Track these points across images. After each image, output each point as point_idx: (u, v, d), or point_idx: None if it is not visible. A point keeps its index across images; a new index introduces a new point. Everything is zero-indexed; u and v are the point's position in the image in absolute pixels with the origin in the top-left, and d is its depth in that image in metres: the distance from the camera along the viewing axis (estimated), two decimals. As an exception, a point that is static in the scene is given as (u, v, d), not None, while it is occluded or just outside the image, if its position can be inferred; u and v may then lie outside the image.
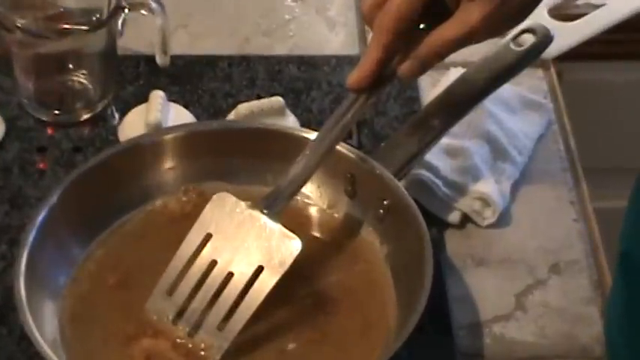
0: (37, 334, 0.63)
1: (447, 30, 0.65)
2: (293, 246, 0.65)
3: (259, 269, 0.65)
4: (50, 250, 0.69)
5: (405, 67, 0.66)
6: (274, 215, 0.67)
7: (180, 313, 0.66)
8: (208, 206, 0.67)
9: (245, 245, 0.66)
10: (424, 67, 0.67)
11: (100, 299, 0.69)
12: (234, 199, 0.67)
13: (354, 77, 0.67)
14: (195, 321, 0.66)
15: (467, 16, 0.64)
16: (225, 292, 0.66)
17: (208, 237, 0.67)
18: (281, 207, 0.67)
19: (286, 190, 0.68)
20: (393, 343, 0.63)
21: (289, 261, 0.65)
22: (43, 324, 0.65)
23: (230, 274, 0.66)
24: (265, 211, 0.67)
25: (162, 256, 0.71)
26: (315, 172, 0.69)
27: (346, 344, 0.66)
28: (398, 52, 0.67)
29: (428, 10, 0.65)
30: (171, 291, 0.67)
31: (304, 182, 0.69)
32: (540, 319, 0.72)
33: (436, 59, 0.66)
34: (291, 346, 0.66)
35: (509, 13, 0.65)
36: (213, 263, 0.66)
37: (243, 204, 0.67)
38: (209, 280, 0.66)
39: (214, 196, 0.68)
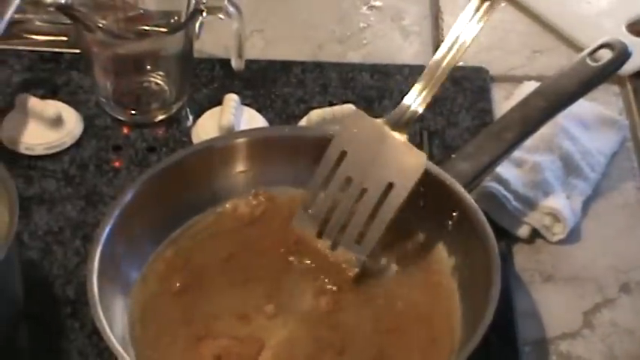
0: (107, 330, 0.63)
1: None
2: (418, 160, 0.69)
3: (389, 185, 0.69)
4: (122, 247, 0.70)
5: None
6: (400, 129, 0.71)
7: (321, 229, 0.71)
8: (342, 123, 0.73)
9: (376, 161, 0.70)
10: None
11: (168, 299, 0.70)
12: (366, 116, 0.71)
13: None
14: (336, 236, 0.70)
15: None
16: (361, 207, 0.70)
17: (343, 154, 0.71)
18: (409, 122, 0.72)
19: (411, 107, 0.73)
20: (458, 356, 0.62)
21: (416, 176, 0.69)
22: (114, 320, 0.66)
23: (364, 190, 0.70)
24: (395, 127, 0.71)
25: (230, 258, 0.72)
26: (437, 86, 0.73)
27: (411, 357, 0.66)
28: None
29: None
30: (312, 207, 0.71)
31: (429, 96, 0.73)
32: (608, 338, 0.71)
33: None
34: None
35: None
36: (349, 180, 0.70)
37: (374, 121, 0.71)
38: (345, 197, 0.70)
39: (349, 114, 0.74)
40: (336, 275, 0.70)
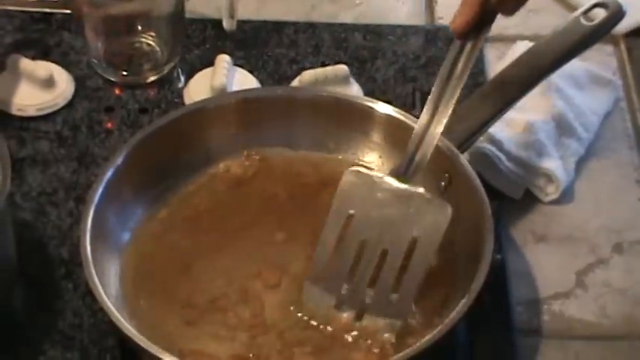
0: (100, 291, 0.64)
1: None
2: (443, 210, 0.64)
3: (413, 241, 0.63)
4: (115, 208, 0.70)
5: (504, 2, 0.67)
6: (412, 181, 0.66)
7: (340, 301, 0.65)
8: (342, 185, 0.66)
9: (391, 218, 0.64)
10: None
11: (161, 258, 0.70)
12: (366, 172, 0.66)
13: (457, 22, 0.67)
14: (360, 305, 0.64)
15: None
16: (386, 269, 0.64)
17: (350, 218, 0.65)
18: (417, 170, 0.66)
19: (419, 152, 0.66)
20: (451, 315, 0.62)
21: (444, 226, 0.64)
22: (107, 280, 0.66)
23: (385, 251, 0.64)
24: (402, 178, 0.66)
25: (224, 218, 0.72)
26: (442, 128, 0.67)
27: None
28: None
29: None
30: (322, 280, 0.65)
31: (434, 141, 0.67)
32: (601, 298, 0.72)
33: None
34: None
35: None
36: (363, 243, 0.64)
37: (378, 175, 0.66)
38: (363, 262, 0.64)
39: (345, 173, 0.66)
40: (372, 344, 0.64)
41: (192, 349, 0.65)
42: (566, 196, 0.77)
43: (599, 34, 0.75)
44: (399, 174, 0.66)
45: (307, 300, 0.66)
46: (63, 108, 0.82)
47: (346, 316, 0.65)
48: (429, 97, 0.68)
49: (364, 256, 0.65)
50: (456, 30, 0.67)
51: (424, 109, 0.68)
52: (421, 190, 0.65)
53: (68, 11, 0.87)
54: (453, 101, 0.67)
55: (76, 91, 0.83)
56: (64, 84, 0.83)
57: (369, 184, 0.66)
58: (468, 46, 0.68)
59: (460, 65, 0.68)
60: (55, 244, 0.73)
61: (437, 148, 0.70)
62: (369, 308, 0.64)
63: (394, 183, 0.66)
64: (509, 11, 0.68)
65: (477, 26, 0.67)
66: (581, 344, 0.69)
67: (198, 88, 0.82)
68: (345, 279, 0.65)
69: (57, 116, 0.82)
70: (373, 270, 0.65)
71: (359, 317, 0.65)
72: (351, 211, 0.65)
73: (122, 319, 0.63)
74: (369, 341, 0.64)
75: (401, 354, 0.61)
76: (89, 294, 0.67)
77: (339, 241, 0.65)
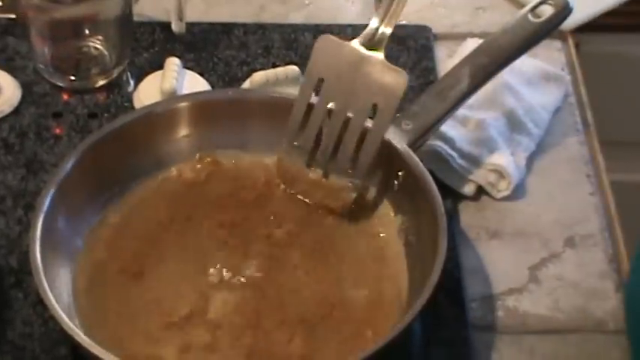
0: (51, 299, 0.63)
1: None
2: (401, 76, 0.69)
3: (373, 106, 0.69)
4: (65, 215, 0.69)
5: None
6: (378, 48, 0.70)
7: (310, 159, 0.71)
8: (315, 50, 0.70)
9: (356, 84, 0.69)
10: None
11: (114, 264, 0.69)
12: (337, 40, 0.70)
13: None
14: (327, 164, 0.71)
15: None
16: (349, 132, 0.70)
17: (320, 82, 0.70)
18: (383, 39, 0.70)
19: (384, 23, 0.70)
20: (406, 314, 0.63)
21: (399, 93, 0.68)
22: (59, 288, 0.65)
23: (348, 115, 0.70)
24: (368, 46, 0.70)
25: (177, 223, 0.72)
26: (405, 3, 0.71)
27: (358, 316, 0.66)
28: None
29: None
30: (297, 139, 0.71)
31: (399, 11, 0.71)
32: (554, 292, 0.72)
33: None
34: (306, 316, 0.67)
35: None
36: (331, 107, 0.70)
37: (347, 44, 0.70)
38: (331, 125, 0.70)
39: (318, 40, 0.71)
40: (334, 202, 0.71)
41: (146, 354, 0.64)
42: (518, 191, 0.77)
43: (547, 30, 0.76)
44: (365, 41, 0.70)
45: (282, 157, 0.72)
46: (9, 114, 0.81)
47: (314, 175, 0.71)
48: None
49: (331, 120, 0.70)
50: None
51: None
52: (382, 56, 0.70)
53: (12, 16, 0.86)
54: None
55: (23, 97, 0.82)
56: (10, 90, 0.82)
57: (338, 50, 0.70)
58: None
59: None
60: (3, 252, 0.72)
61: (389, 146, 0.71)
62: (334, 169, 0.70)
63: (360, 49, 0.70)
64: None
65: None
66: (535, 338, 0.70)
67: (148, 92, 0.82)
68: (315, 140, 0.71)
69: (3, 123, 0.80)
70: (338, 133, 0.70)
71: (326, 175, 0.71)
72: (321, 76, 0.70)
73: (74, 327, 0.62)
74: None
75: (358, 354, 0.61)
76: (40, 303, 0.66)
77: (309, 107, 0.71)
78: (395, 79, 0.69)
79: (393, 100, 0.69)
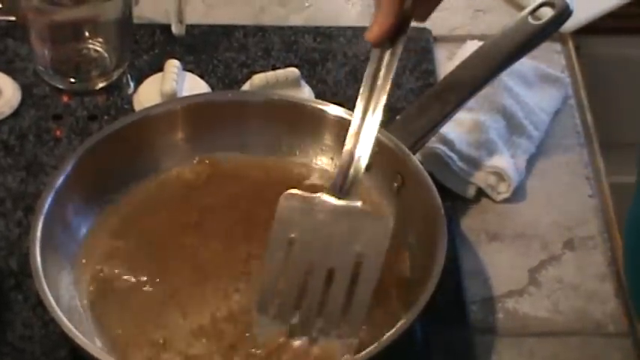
0: (52, 301, 0.63)
1: None
2: (383, 221, 0.63)
3: (358, 256, 0.63)
4: (65, 217, 0.69)
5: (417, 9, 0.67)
6: (351, 195, 0.64)
7: (292, 328, 0.63)
8: (279, 210, 0.64)
9: (333, 237, 0.63)
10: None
11: (114, 267, 0.69)
12: (302, 194, 0.64)
13: (373, 31, 0.66)
14: (312, 330, 0.63)
15: None
16: (334, 289, 0.63)
17: (292, 243, 0.64)
18: (354, 184, 0.64)
19: (352, 167, 0.65)
20: (406, 316, 0.62)
21: (386, 238, 0.63)
22: (59, 291, 0.65)
23: (331, 272, 0.63)
24: (339, 195, 0.64)
25: (176, 225, 0.71)
26: (373, 141, 0.65)
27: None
28: None
29: None
30: (271, 308, 0.64)
31: (366, 153, 0.65)
32: (554, 294, 0.72)
33: None
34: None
35: None
36: (308, 267, 0.63)
37: (314, 196, 0.64)
38: (311, 285, 0.63)
39: (281, 199, 0.64)
40: None
41: (145, 357, 0.64)
42: (518, 194, 0.78)
43: (546, 32, 0.76)
44: (335, 191, 0.65)
45: (257, 332, 0.64)
46: (9, 117, 0.81)
47: (300, 343, 0.63)
48: (354, 111, 0.66)
49: (311, 279, 0.63)
50: (373, 40, 0.66)
51: (351, 124, 0.66)
52: (359, 204, 0.64)
53: (12, 18, 0.86)
54: (379, 112, 0.66)
55: (23, 99, 0.82)
56: (10, 92, 0.82)
57: (306, 205, 0.64)
58: (387, 53, 0.67)
59: (382, 74, 0.66)
60: (3, 255, 0.72)
61: (389, 149, 0.71)
62: (322, 332, 0.63)
63: (332, 200, 0.64)
64: (423, 17, 0.68)
65: (395, 34, 0.66)
66: (535, 341, 0.70)
67: (147, 94, 0.82)
68: (295, 305, 0.63)
69: (3, 125, 0.80)
70: (322, 292, 0.63)
71: (313, 342, 0.63)
72: (292, 235, 0.64)
73: (74, 330, 0.62)
74: None
75: (357, 356, 0.61)
76: (40, 305, 0.66)
77: (284, 268, 0.64)
78: (378, 226, 0.63)
79: (379, 247, 0.63)
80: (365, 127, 0.66)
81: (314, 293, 0.63)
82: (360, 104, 0.67)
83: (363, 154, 0.66)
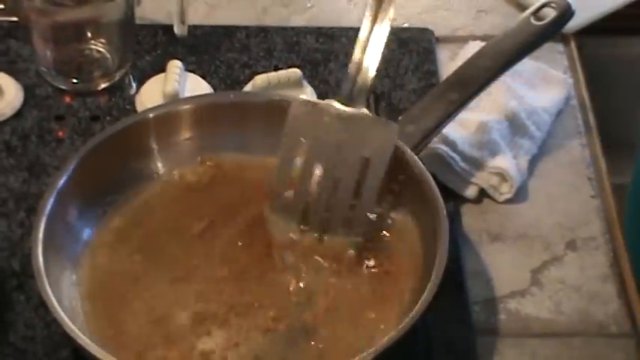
0: (54, 302, 0.63)
1: None
2: (389, 127, 0.67)
3: (365, 161, 0.66)
4: (67, 218, 0.69)
5: None
6: (357, 102, 0.68)
7: (303, 218, 0.68)
8: (290, 116, 0.68)
9: (340, 141, 0.67)
10: None
11: (116, 268, 0.69)
12: (313, 100, 0.68)
13: None
14: (322, 226, 0.67)
15: None
16: (341, 191, 0.67)
17: (302, 146, 0.67)
18: (361, 92, 0.68)
19: (360, 74, 0.68)
20: (409, 317, 0.62)
21: (391, 143, 0.66)
22: (61, 291, 0.65)
23: (338, 174, 0.67)
24: (347, 102, 0.68)
25: (179, 225, 0.72)
26: (381, 50, 0.69)
27: (360, 317, 0.66)
28: None
29: None
30: (283, 208, 0.68)
31: (374, 63, 0.68)
32: (556, 295, 0.72)
33: None
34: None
35: None
36: (318, 168, 0.67)
37: (323, 103, 0.68)
38: (319, 186, 0.67)
39: (292, 105, 0.68)
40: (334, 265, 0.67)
41: (149, 358, 0.64)
42: (520, 194, 0.77)
43: (549, 33, 0.76)
44: (343, 98, 0.68)
45: (272, 229, 0.68)
46: (12, 117, 0.81)
47: (309, 239, 0.68)
48: (362, 21, 0.69)
49: (320, 180, 0.67)
50: None
51: (359, 34, 0.69)
52: (365, 111, 0.67)
53: (15, 18, 0.86)
54: (387, 22, 0.69)
55: (25, 99, 0.82)
56: (12, 93, 0.82)
57: (316, 111, 0.67)
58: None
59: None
60: (5, 255, 0.72)
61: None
62: (329, 229, 0.67)
63: (340, 107, 0.68)
64: None
65: None
66: (537, 342, 0.70)
67: (150, 95, 0.82)
68: (304, 205, 0.67)
69: (5, 126, 0.80)
70: (330, 192, 0.67)
71: (321, 238, 0.67)
72: (302, 139, 0.67)
73: (76, 330, 0.62)
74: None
75: (361, 355, 0.61)
76: (42, 305, 0.66)
77: (294, 170, 0.68)
78: (383, 131, 0.67)
79: (384, 153, 0.66)
80: (372, 37, 0.69)
81: (322, 192, 0.67)
82: (368, 15, 0.69)
83: (370, 64, 0.68)
